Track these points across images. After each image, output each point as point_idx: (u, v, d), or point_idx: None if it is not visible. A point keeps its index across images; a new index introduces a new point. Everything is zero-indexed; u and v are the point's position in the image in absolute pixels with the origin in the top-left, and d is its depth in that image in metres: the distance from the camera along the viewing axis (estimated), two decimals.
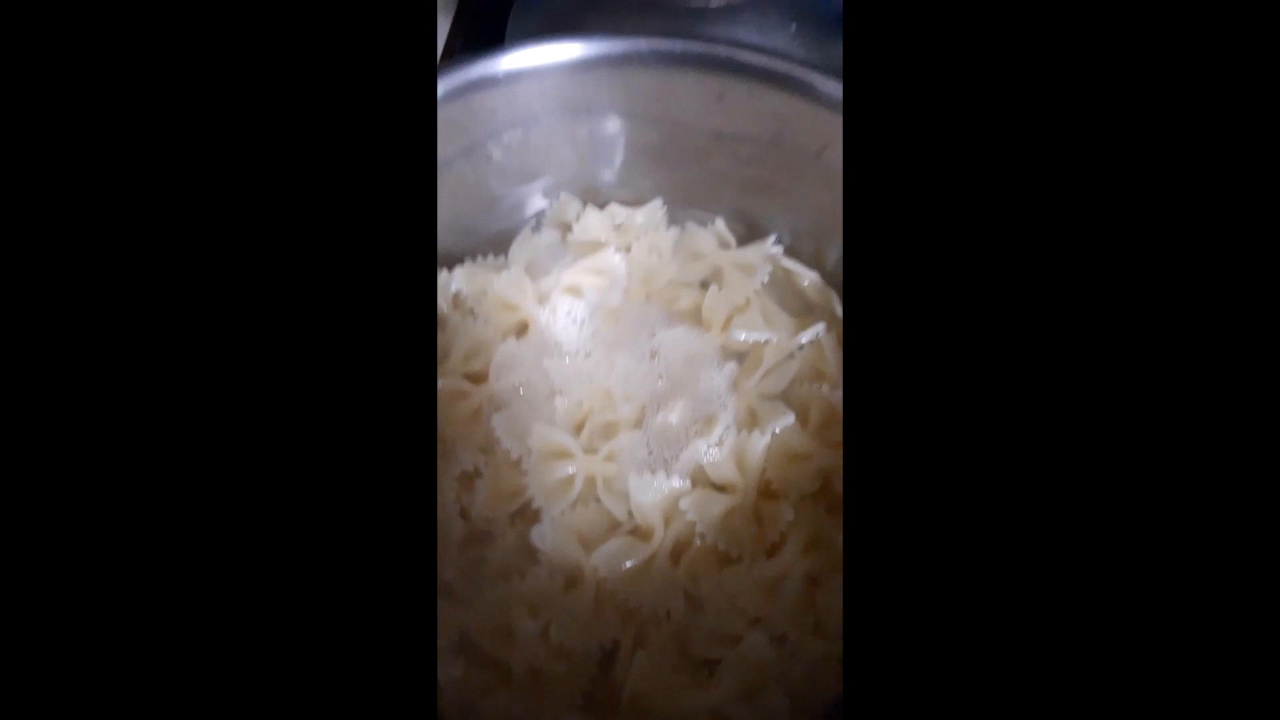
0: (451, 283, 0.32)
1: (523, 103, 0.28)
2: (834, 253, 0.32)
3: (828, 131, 0.27)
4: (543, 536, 0.27)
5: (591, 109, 0.29)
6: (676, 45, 0.26)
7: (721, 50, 0.26)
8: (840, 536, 0.27)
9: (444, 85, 0.26)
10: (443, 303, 0.32)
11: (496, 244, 0.33)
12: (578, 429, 0.29)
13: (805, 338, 0.31)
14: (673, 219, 0.34)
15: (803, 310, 0.33)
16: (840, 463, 0.28)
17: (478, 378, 0.30)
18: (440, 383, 0.29)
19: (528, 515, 0.28)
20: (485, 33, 0.39)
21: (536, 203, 0.33)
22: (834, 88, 0.26)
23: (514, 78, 0.27)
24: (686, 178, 0.32)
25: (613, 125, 0.30)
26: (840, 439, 0.29)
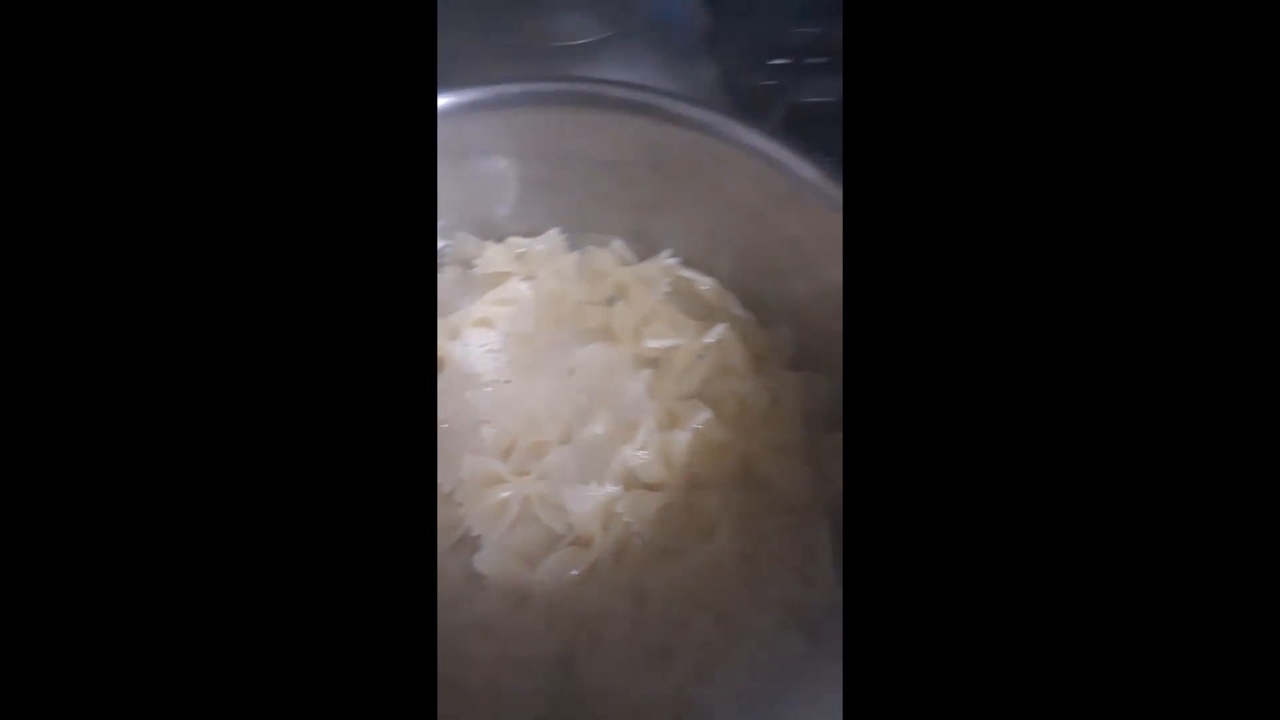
0: None
1: None
2: (725, 259, 0.35)
3: (695, 149, 0.30)
4: (485, 561, 0.28)
5: (473, 152, 0.31)
6: (546, 86, 0.28)
7: (587, 87, 0.28)
8: (768, 515, 0.30)
9: None
10: None
11: None
12: (507, 454, 0.30)
13: (710, 338, 0.33)
14: (572, 244, 0.36)
15: (704, 314, 0.35)
16: (756, 447, 0.31)
17: None
18: None
19: (468, 544, 0.28)
20: None
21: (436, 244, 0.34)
22: (692, 110, 0.29)
23: None
24: (579, 204, 0.34)
25: (498, 164, 0.32)
26: (752, 425, 0.31)
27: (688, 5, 0.39)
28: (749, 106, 0.42)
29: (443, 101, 0.29)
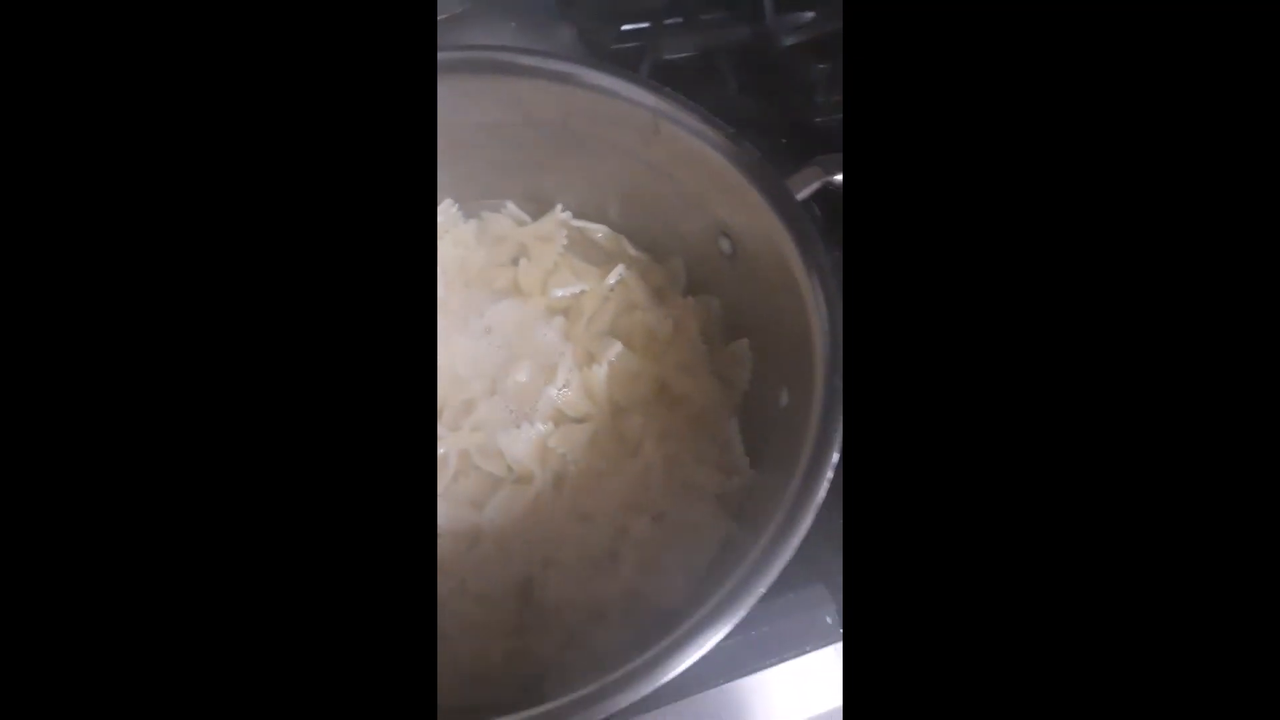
0: None
1: None
2: (613, 206, 0.38)
3: (565, 103, 0.32)
4: (437, 514, 0.30)
5: None
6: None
7: (455, 54, 0.30)
8: (685, 425, 0.33)
9: None
10: None
11: None
12: (439, 414, 0.32)
13: (612, 280, 0.36)
14: (469, 212, 0.37)
15: (603, 259, 0.38)
16: (666, 368, 0.34)
17: None
18: None
19: None
20: None
21: None
22: (556, 64, 0.31)
23: None
24: (468, 173, 0.36)
25: None
26: (661, 350, 0.34)
27: None
28: (613, 60, 0.44)
29: None
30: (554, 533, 0.30)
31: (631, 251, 0.38)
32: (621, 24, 0.43)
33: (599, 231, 0.38)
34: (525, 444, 0.31)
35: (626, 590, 0.29)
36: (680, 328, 0.35)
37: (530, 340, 0.34)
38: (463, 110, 0.32)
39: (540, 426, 0.32)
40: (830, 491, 0.24)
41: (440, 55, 0.29)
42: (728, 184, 0.30)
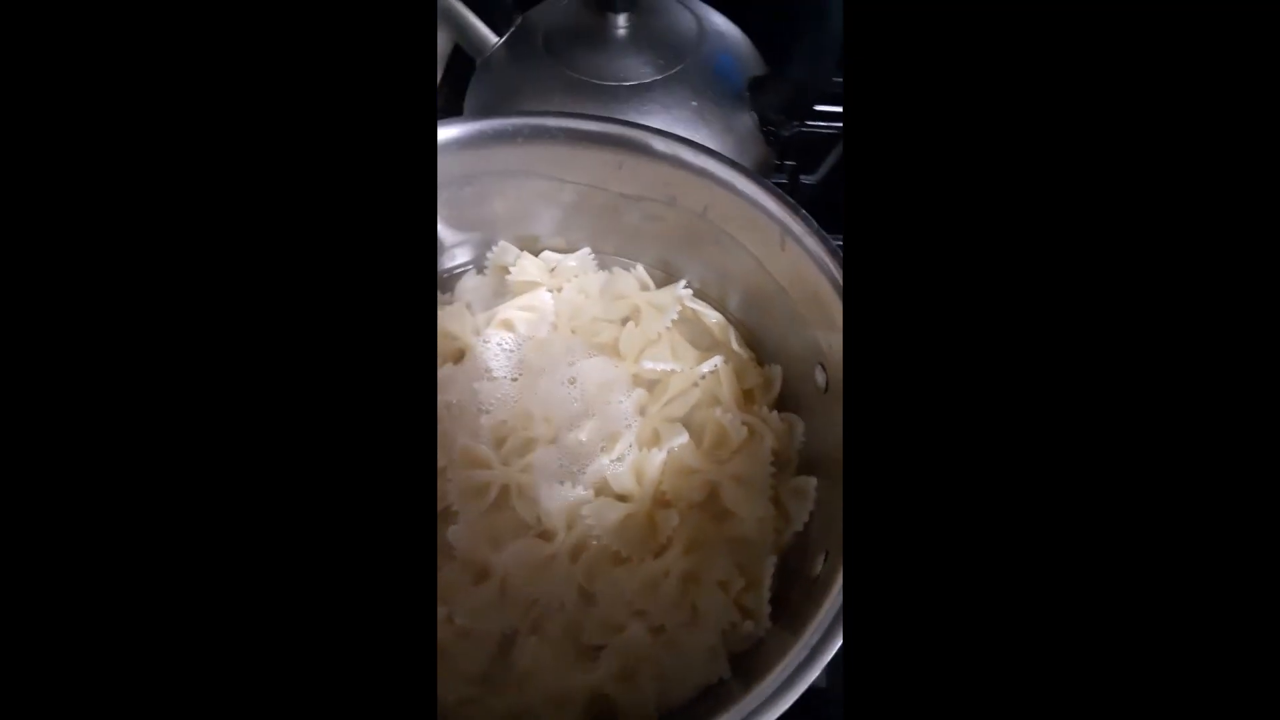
0: None
1: (462, 164, 0.34)
2: (735, 297, 0.37)
3: (707, 195, 0.32)
4: (458, 536, 0.31)
5: (516, 172, 0.34)
6: (575, 123, 0.32)
7: (612, 128, 0.31)
8: (721, 542, 0.31)
9: None
10: None
11: (442, 284, 0.38)
12: (500, 444, 0.34)
13: (706, 368, 0.35)
14: (602, 264, 0.39)
15: (707, 344, 0.37)
16: (724, 477, 0.32)
17: None
18: None
19: (447, 517, 0.32)
20: (448, 105, 0.45)
21: (478, 249, 0.39)
22: (704, 160, 0.31)
23: (454, 144, 0.33)
24: (611, 231, 0.38)
25: (538, 186, 0.35)
26: (727, 457, 0.33)
27: (740, 54, 0.41)
28: (794, 152, 0.43)
29: (500, 124, 0.33)
30: (553, 598, 0.30)
31: (735, 346, 0.37)
32: (808, 119, 0.43)
33: (713, 317, 0.37)
34: (560, 502, 0.31)
35: (595, 690, 0.28)
36: (754, 438, 0.33)
37: (606, 403, 0.35)
38: (612, 179, 0.34)
39: (581, 490, 0.32)
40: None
41: (595, 126, 0.31)
42: (832, 319, 0.28)
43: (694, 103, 0.37)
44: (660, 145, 0.31)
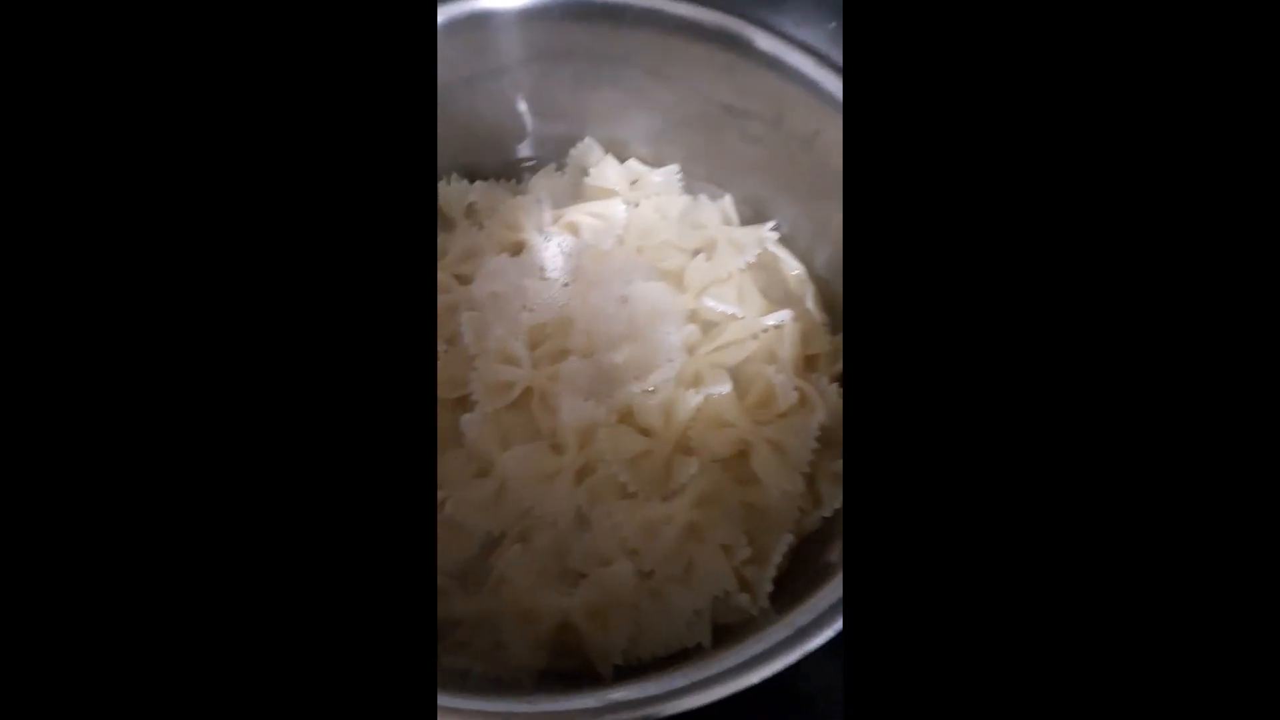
0: (469, 194, 0.35)
1: (559, 38, 0.31)
2: (824, 252, 0.33)
3: (819, 119, 0.28)
4: (470, 424, 0.30)
5: (617, 59, 0.31)
6: (691, 10, 0.28)
7: (732, 23, 0.28)
8: (738, 505, 0.28)
9: (466, 6, 0.29)
10: (456, 209, 0.35)
11: (520, 172, 0.36)
12: (535, 346, 0.32)
13: (770, 321, 0.32)
14: (688, 188, 0.36)
15: (780, 298, 0.33)
16: (760, 439, 0.29)
17: (465, 279, 0.33)
18: None
19: (464, 404, 0.30)
20: None
21: (564, 142, 0.36)
22: (827, 78, 0.27)
23: (553, 11, 0.30)
24: (707, 152, 0.34)
25: (638, 81, 0.32)
26: (769, 418, 0.30)
27: None
28: None
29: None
30: (547, 513, 0.28)
31: (810, 306, 0.33)
32: None
33: (794, 268, 0.34)
34: (577, 419, 0.29)
35: (565, 617, 0.26)
36: (804, 408, 0.30)
37: (653, 331, 0.32)
38: (718, 85, 0.30)
39: (603, 412, 0.30)
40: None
41: (710, 16, 0.27)
42: None
43: (833, 24, 0.32)
44: (772, 46, 0.27)
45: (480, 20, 0.29)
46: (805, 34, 0.33)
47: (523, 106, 0.34)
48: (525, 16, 0.29)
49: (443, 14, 0.29)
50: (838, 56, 0.32)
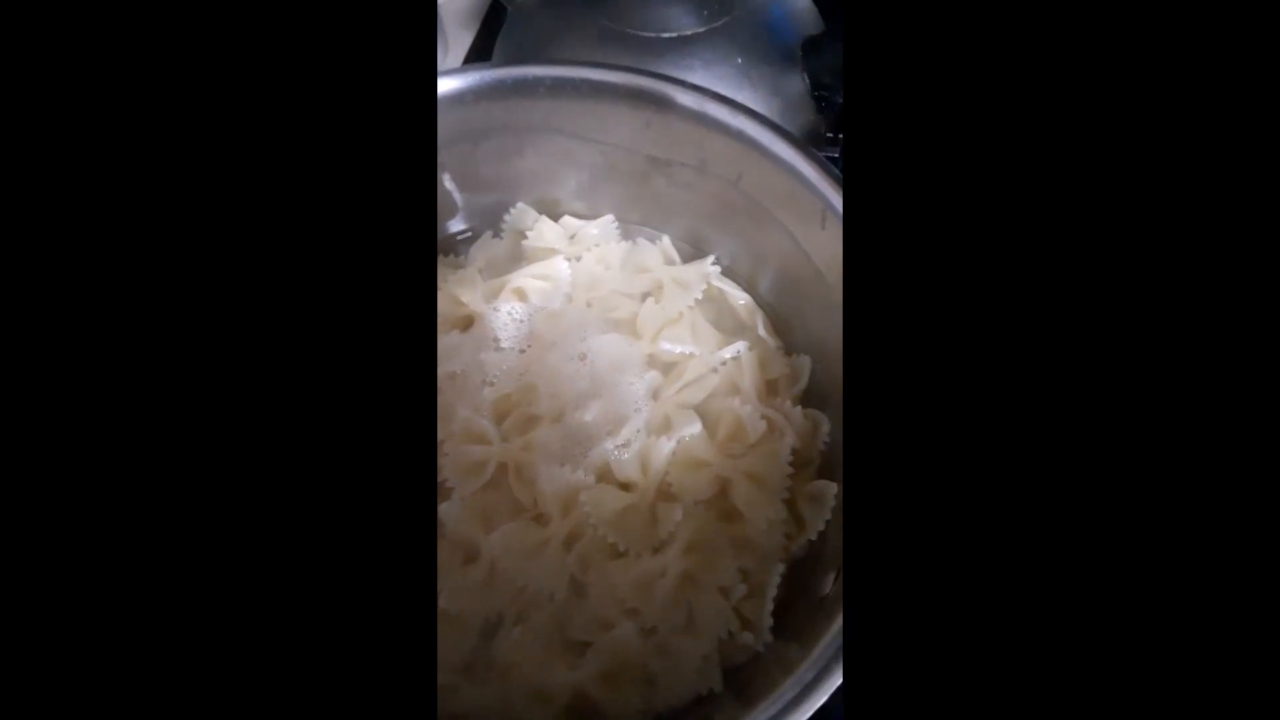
0: None
1: (480, 118, 0.31)
2: (766, 278, 0.34)
3: (741, 160, 0.29)
4: (449, 512, 0.29)
5: (538, 129, 0.32)
6: (601, 74, 0.29)
7: (642, 81, 0.28)
8: (726, 545, 0.29)
9: None
10: None
11: (457, 245, 0.36)
12: (500, 419, 0.32)
13: (727, 354, 0.33)
14: (625, 234, 0.36)
15: (733, 329, 0.34)
16: (737, 473, 0.30)
17: None
18: None
19: (441, 492, 0.30)
20: (480, 55, 0.43)
21: (497, 210, 0.36)
22: (741, 121, 0.28)
23: (470, 94, 0.30)
24: (637, 198, 0.35)
25: (561, 145, 0.33)
26: (742, 452, 0.30)
27: (795, 9, 0.37)
28: (816, 138, 0.40)
29: (518, 73, 0.30)
30: (542, 588, 0.28)
31: (762, 332, 0.34)
32: None
33: (740, 299, 0.35)
34: (558, 486, 0.29)
35: (578, 689, 0.26)
36: (773, 434, 0.31)
37: (616, 384, 0.32)
38: (640, 139, 0.31)
39: (580, 475, 0.30)
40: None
41: (619, 78, 0.28)
42: None
43: (739, 59, 0.34)
44: (688, 100, 0.28)
45: None
46: (716, 74, 0.34)
47: (450, 184, 0.34)
48: (443, 103, 0.30)
49: None
50: (748, 92, 0.34)
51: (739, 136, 0.28)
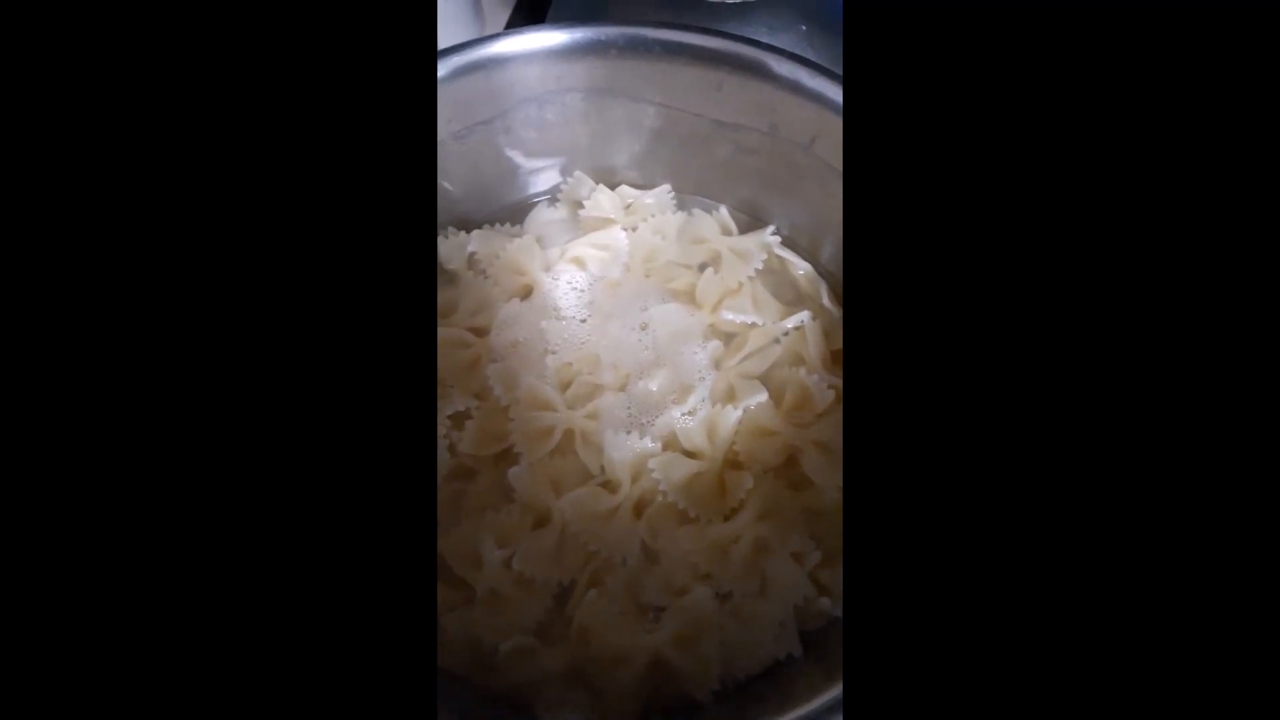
0: (469, 244, 0.35)
1: (546, 79, 0.31)
2: (829, 247, 0.34)
3: (816, 124, 0.28)
4: (519, 478, 0.29)
5: (603, 91, 0.31)
6: (676, 35, 0.28)
7: (717, 42, 0.28)
8: (797, 512, 0.29)
9: (461, 60, 0.29)
10: (458, 261, 0.35)
11: (514, 213, 0.36)
12: (564, 386, 0.32)
13: (790, 324, 0.32)
14: (681, 204, 0.36)
15: (793, 299, 0.34)
16: (806, 442, 0.30)
17: (481, 331, 0.33)
18: (446, 332, 0.32)
19: (508, 458, 0.30)
20: (529, 17, 0.42)
21: (553, 178, 0.36)
22: (821, 83, 0.27)
23: (541, 55, 0.30)
24: (695, 166, 0.34)
25: (621, 108, 0.32)
26: (810, 420, 0.30)
27: None
28: None
29: (593, 33, 0.30)
30: (614, 554, 0.28)
31: (826, 302, 0.33)
32: None
33: (801, 269, 0.34)
34: (626, 453, 0.29)
35: (654, 655, 0.26)
36: (840, 404, 0.30)
37: (679, 353, 0.32)
38: (708, 102, 0.30)
39: (648, 443, 0.30)
40: None
41: (694, 38, 0.28)
42: None
43: (803, 26, 0.33)
44: (776, 65, 0.27)
45: (478, 66, 0.29)
46: (780, 41, 0.33)
47: (511, 151, 0.34)
48: (511, 63, 0.29)
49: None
50: (813, 59, 0.33)
51: (817, 99, 0.27)
